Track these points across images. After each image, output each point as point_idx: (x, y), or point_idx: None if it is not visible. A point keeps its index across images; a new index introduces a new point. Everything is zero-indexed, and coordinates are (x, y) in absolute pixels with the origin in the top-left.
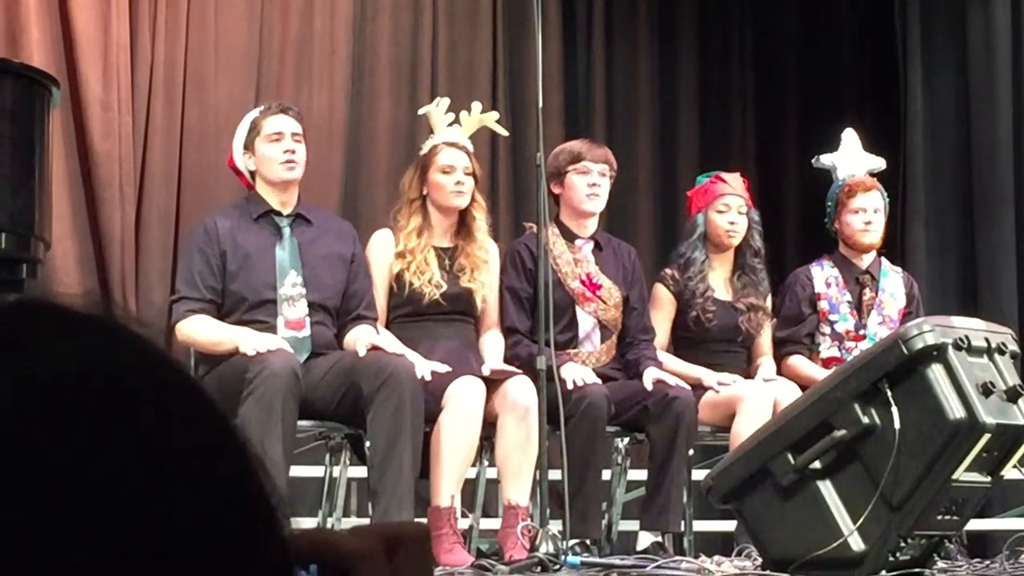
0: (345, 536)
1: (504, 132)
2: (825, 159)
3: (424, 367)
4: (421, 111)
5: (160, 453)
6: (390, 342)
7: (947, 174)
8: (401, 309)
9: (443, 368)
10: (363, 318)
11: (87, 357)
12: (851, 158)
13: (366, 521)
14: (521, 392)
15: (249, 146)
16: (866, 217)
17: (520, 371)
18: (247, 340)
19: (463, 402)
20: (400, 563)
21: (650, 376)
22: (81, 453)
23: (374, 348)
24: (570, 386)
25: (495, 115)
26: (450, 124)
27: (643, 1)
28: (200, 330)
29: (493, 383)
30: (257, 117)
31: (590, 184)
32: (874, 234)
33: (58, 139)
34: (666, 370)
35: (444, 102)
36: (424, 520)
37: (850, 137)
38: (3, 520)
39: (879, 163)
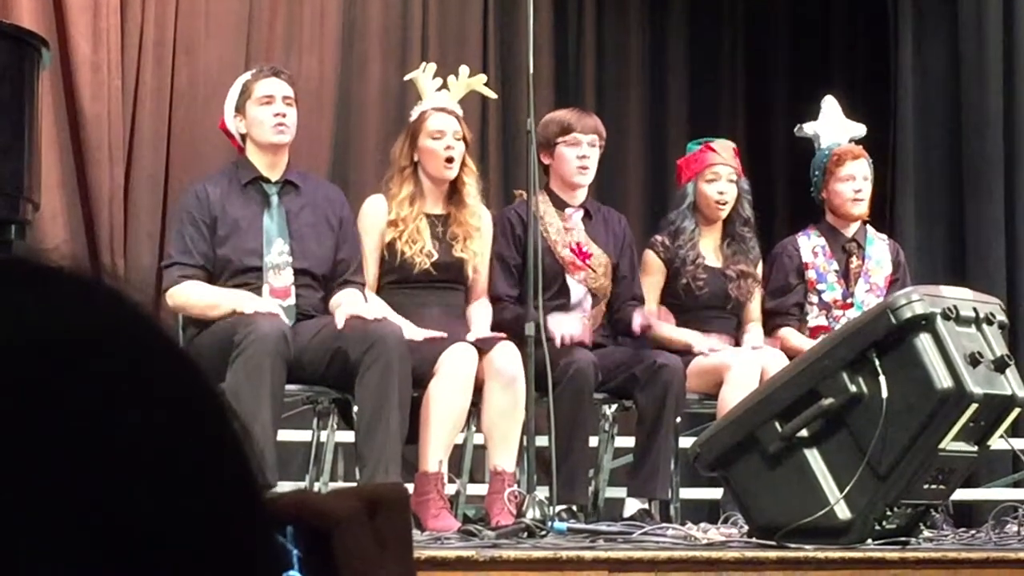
0: (326, 497)
1: (493, 95)
2: (808, 128)
3: (416, 333)
4: (407, 76)
5: (128, 411)
6: (376, 307)
7: (936, 144)
8: (390, 276)
9: (435, 334)
10: (351, 283)
11: (54, 312)
12: (833, 126)
13: (352, 486)
14: (507, 360)
15: (240, 109)
16: (855, 185)
17: (505, 336)
18: (246, 301)
19: (455, 369)
20: (380, 524)
21: (638, 317)
22: (43, 410)
23: (354, 318)
24: (558, 343)
25: (483, 78)
26: (438, 89)
27: None
28: (194, 294)
29: (480, 350)
30: (248, 80)
31: (580, 156)
32: (863, 204)
33: (47, 101)
34: (657, 335)
35: (431, 67)
36: (411, 485)
37: (830, 105)
38: None
39: (860, 130)
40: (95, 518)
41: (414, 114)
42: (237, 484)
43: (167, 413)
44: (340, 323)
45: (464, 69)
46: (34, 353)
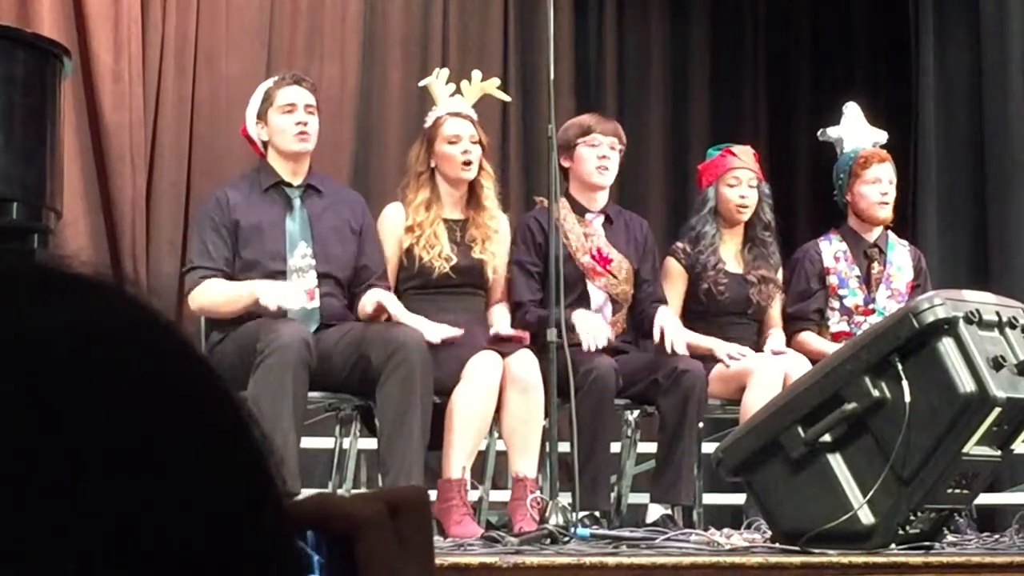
0: (347, 500)
1: (507, 98)
2: (831, 132)
3: (433, 332)
4: (422, 83)
5: (129, 410)
6: (400, 310)
7: (959, 146)
8: (411, 282)
9: (453, 331)
10: (376, 287)
11: (54, 312)
12: (855, 131)
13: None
14: (524, 367)
15: (262, 116)
16: (882, 188)
17: (526, 332)
18: (267, 291)
19: (480, 376)
20: (401, 526)
21: (660, 316)
22: (41, 409)
23: (382, 309)
24: (584, 347)
25: (496, 81)
26: (452, 94)
27: None
28: (216, 291)
29: (500, 354)
30: (271, 87)
31: (600, 156)
32: (888, 208)
33: (69, 110)
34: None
35: (444, 73)
36: (434, 492)
37: (853, 110)
38: None
39: (882, 136)
40: (95, 518)
41: (429, 120)
42: (250, 486)
43: (172, 413)
44: (370, 308)
45: (477, 73)
46: (32, 352)
